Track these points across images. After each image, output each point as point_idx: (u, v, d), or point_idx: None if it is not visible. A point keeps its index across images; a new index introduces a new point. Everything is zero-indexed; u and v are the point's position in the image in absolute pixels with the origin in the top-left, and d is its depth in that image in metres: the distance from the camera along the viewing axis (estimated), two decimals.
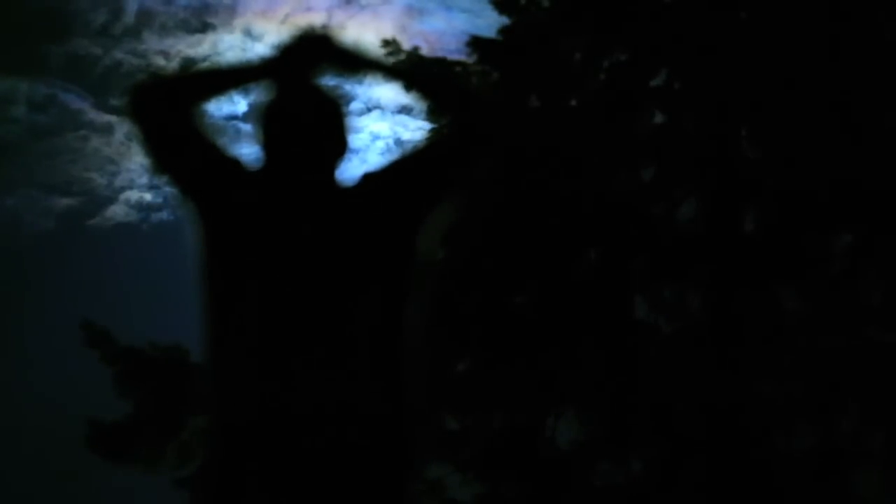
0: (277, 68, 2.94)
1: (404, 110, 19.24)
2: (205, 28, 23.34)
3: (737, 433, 9.21)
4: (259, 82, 2.95)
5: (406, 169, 2.91)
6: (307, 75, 2.93)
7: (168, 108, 2.86)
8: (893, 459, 9.23)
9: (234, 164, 2.88)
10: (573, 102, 9.96)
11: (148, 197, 22.63)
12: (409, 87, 3.02)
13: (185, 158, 2.87)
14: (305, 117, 2.89)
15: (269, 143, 2.89)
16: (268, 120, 2.90)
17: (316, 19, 20.88)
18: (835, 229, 9.59)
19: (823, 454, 9.30)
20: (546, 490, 9.38)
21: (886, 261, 9.38)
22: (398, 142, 19.81)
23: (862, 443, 9.37)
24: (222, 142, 2.88)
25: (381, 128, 19.83)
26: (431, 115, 2.77)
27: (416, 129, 18.92)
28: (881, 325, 9.41)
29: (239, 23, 23.27)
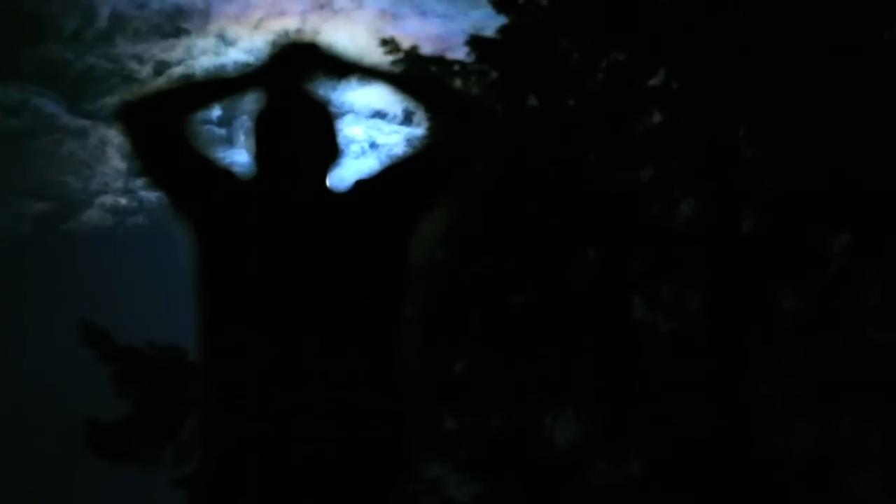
0: (268, 77, 2.95)
1: (378, 115, 19.29)
2: (178, 33, 23.28)
3: (735, 433, 9.21)
4: (250, 91, 2.96)
5: (399, 175, 2.91)
6: (298, 83, 2.94)
7: (159, 121, 2.86)
8: (892, 459, 9.24)
9: (227, 174, 2.89)
10: (571, 102, 9.97)
11: (123, 201, 22.61)
12: (401, 91, 3.03)
13: (177, 170, 2.87)
14: (298, 125, 2.90)
15: (262, 151, 2.89)
16: (260, 129, 2.90)
17: (290, 24, 20.90)
18: (833, 229, 9.60)
19: (822, 453, 9.31)
20: (544, 490, 9.39)
21: (884, 261, 9.39)
22: (373, 145, 19.82)
23: (860, 442, 9.37)
24: (212, 150, 2.88)
25: (356, 132, 19.85)
26: (428, 120, 2.75)
27: (390, 133, 18.97)
28: (879, 325, 9.42)
29: (213, 27, 23.24)
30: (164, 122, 2.86)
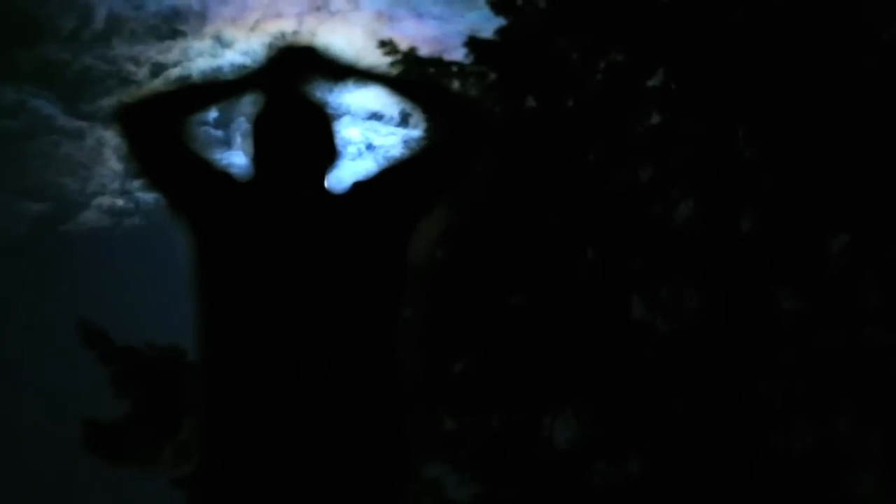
0: (266, 79, 2.95)
1: (375, 116, 19.32)
2: (175, 34, 23.24)
3: (734, 433, 9.21)
4: (248, 94, 2.96)
5: (397, 176, 2.91)
6: (296, 85, 2.94)
7: (158, 123, 2.87)
8: (890, 458, 9.24)
9: (225, 176, 2.90)
10: (570, 103, 9.97)
11: (120, 202, 22.61)
12: (398, 94, 3.03)
13: (175, 172, 2.88)
14: (296, 127, 2.90)
15: (260, 154, 2.89)
16: (258, 131, 2.91)
17: (286, 26, 20.91)
18: (832, 229, 9.60)
19: (821, 453, 9.31)
20: (543, 490, 9.39)
21: (883, 261, 9.39)
22: (369, 147, 19.81)
23: (859, 442, 9.38)
24: (209, 152, 2.88)
25: (353, 134, 19.85)
26: (425, 122, 2.74)
27: (387, 135, 18.96)
28: (878, 325, 9.42)
29: (209, 29, 23.21)
30: (163, 124, 2.87)
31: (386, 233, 2.86)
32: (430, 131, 2.97)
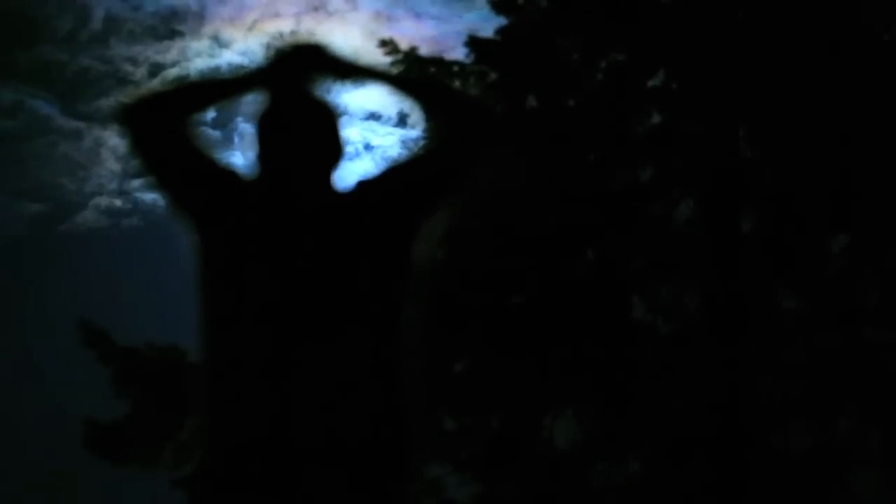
0: (271, 77, 2.95)
1: (373, 116, 19.38)
2: (173, 35, 23.31)
3: (734, 433, 9.21)
4: (251, 92, 2.96)
5: (402, 176, 2.91)
6: (301, 84, 2.94)
7: (162, 121, 2.87)
8: (891, 458, 9.24)
9: (230, 174, 2.89)
10: (571, 103, 9.97)
11: (118, 203, 22.68)
12: (402, 93, 3.03)
13: (181, 171, 2.88)
14: (302, 126, 2.90)
15: (265, 152, 2.89)
16: (263, 130, 2.90)
17: (284, 26, 20.96)
18: (832, 229, 9.61)
19: (821, 453, 9.31)
20: (544, 490, 9.39)
21: (883, 261, 9.40)
22: (367, 147, 19.85)
23: (859, 442, 9.38)
24: (215, 152, 2.88)
25: (351, 133, 19.92)
26: (426, 122, 2.74)
27: (385, 135, 19.05)
28: (878, 325, 9.42)
29: (207, 30, 23.28)
30: (167, 121, 2.87)
31: (390, 232, 2.86)
32: (434, 130, 2.96)
